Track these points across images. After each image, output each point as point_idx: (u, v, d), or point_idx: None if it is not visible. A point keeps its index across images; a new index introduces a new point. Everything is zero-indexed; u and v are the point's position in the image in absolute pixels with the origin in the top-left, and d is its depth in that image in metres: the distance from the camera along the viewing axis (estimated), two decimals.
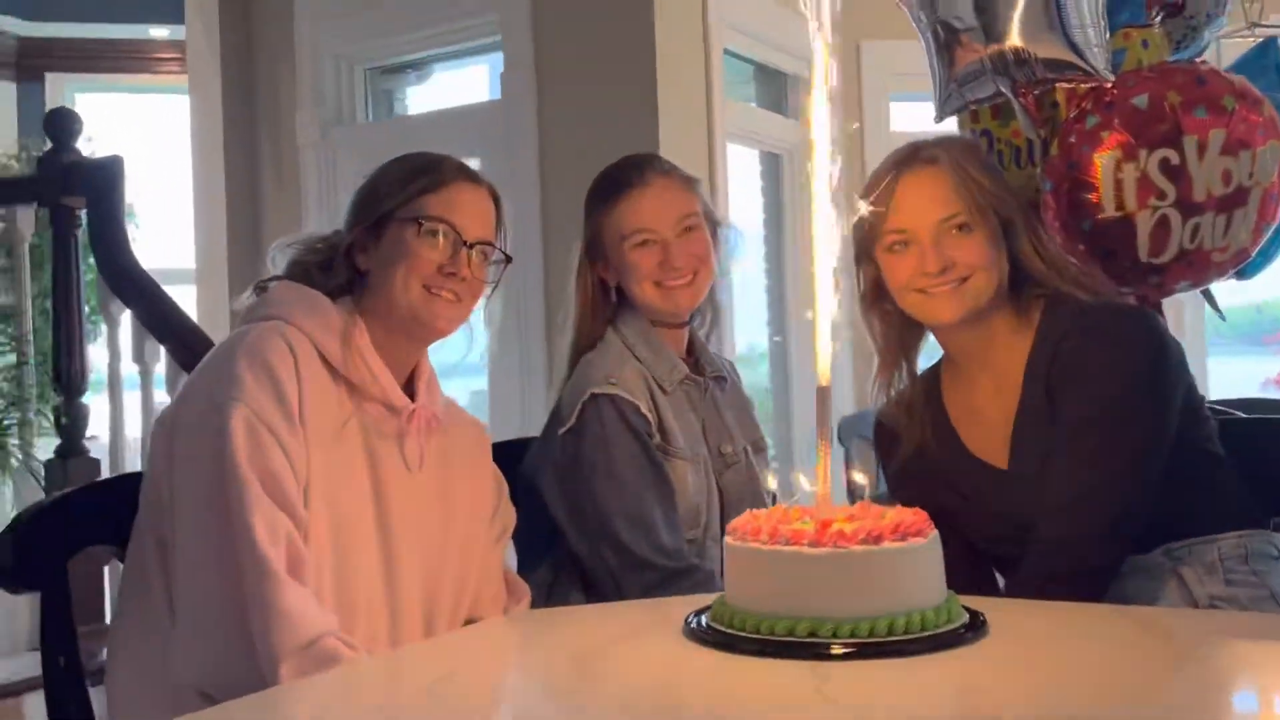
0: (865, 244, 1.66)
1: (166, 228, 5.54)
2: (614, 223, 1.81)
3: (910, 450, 1.71)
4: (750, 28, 3.92)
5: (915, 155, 1.64)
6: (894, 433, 1.74)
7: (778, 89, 4.42)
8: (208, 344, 2.44)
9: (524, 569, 1.82)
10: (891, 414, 1.74)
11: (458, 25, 3.92)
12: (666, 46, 3.52)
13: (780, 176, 4.43)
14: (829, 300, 1.26)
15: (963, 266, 1.58)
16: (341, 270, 1.55)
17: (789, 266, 4.42)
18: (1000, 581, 1.68)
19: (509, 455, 1.86)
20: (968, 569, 1.60)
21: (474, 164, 4.14)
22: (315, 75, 4.10)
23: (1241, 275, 1.89)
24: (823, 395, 1.28)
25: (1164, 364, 1.54)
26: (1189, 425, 1.57)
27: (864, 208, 1.52)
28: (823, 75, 1.23)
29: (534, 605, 1.70)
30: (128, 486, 1.50)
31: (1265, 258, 1.88)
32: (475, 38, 3.96)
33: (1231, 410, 1.86)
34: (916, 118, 4.10)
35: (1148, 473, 1.51)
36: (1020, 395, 1.60)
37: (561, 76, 3.61)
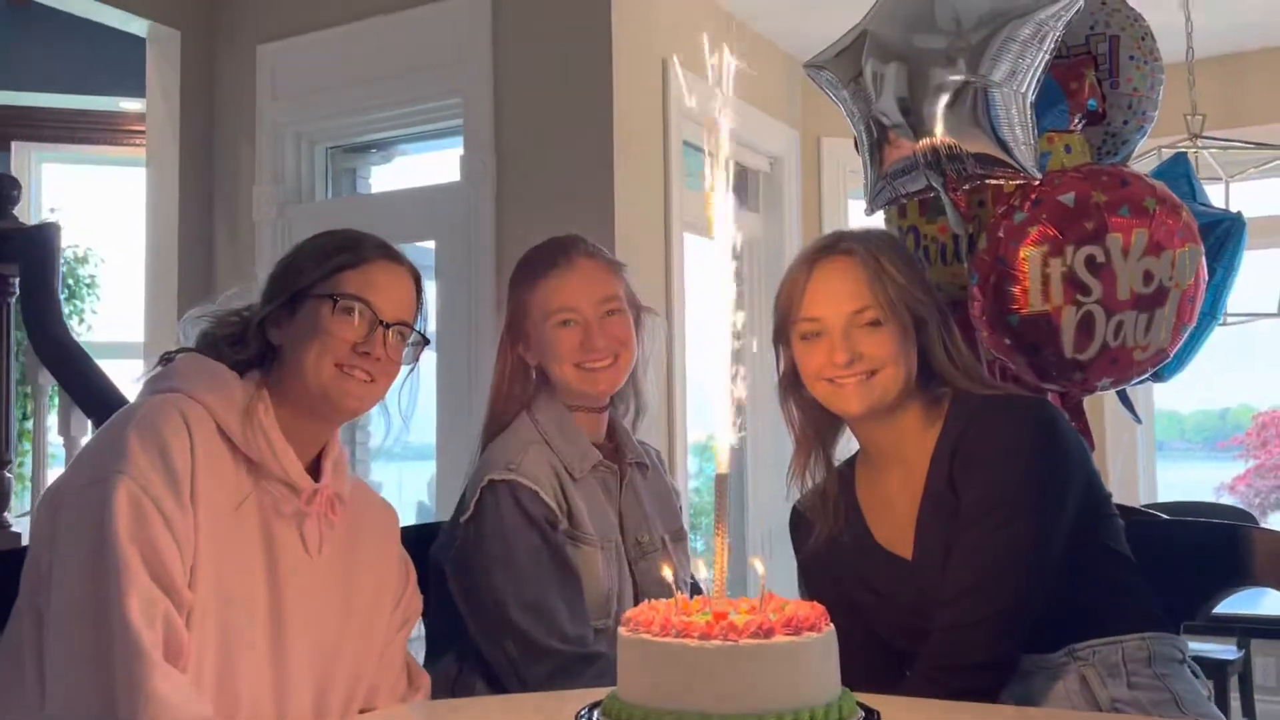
0: (783, 330, 1.67)
1: (127, 301, 5.50)
2: (538, 301, 1.80)
3: (822, 538, 1.70)
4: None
5: (833, 245, 1.65)
6: (807, 521, 1.73)
7: (739, 183, 4.48)
8: None
9: (433, 656, 1.76)
10: (807, 502, 1.74)
11: (421, 107, 3.95)
12: (625, 136, 3.55)
13: (740, 269, 4.45)
14: (728, 387, 1.23)
15: (870, 360, 1.58)
16: (253, 344, 1.52)
17: (749, 354, 4.42)
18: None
19: (424, 538, 1.82)
20: (871, 661, 1.57)
21: (430, 245, 4.15)
22: (275, 152, 4.11)
23: (1159, 377, 1.89)
24: (720, 483, 1.24)
25: (1057, 455, 1.54)
26: (1091, 522, 1.56)
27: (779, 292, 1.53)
28: (723, 181, 1.21)
29: (438, 697, 1.64)
30: (12, 563, 1.45)
31: (1180, 360, 1.89)
32: (439, 119, 3.99)
33: (1156, 513, 1.84)
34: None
35: (1039, 564, 1.49)
36: (924, 485, 1.60)
37: (521, 161, 3.63)
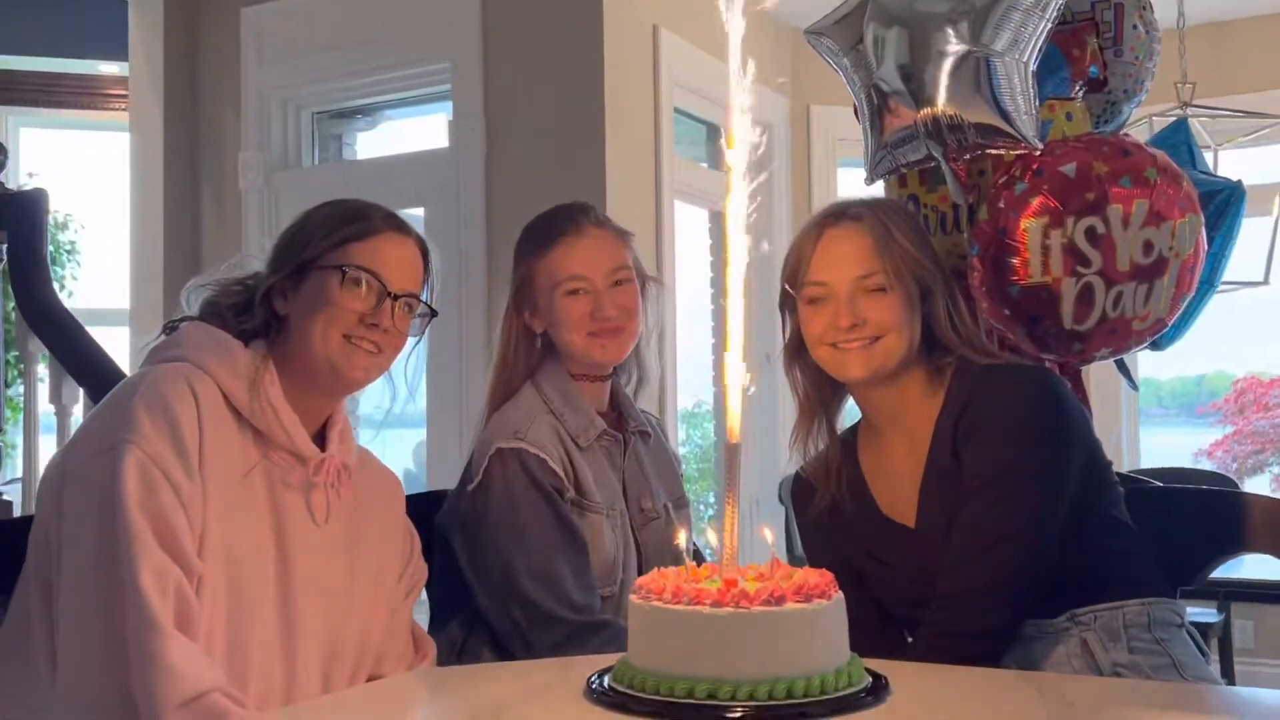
0: (789, 294, 1.67)
1: (109, 267, 5.45)
2: (547, 269, 1.79)
3: (824, 506, 1.72)
4: (702, 88, 3.95)
5: (842, 212, 1.66)
6: (810, 487, 1.74)
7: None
8: None
9: (437, 623, 1.78)
10: (810, 468, 1.75)
11: (409, 72, 3.91)
12: (616, 102, 3.54)
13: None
14: (739, 359, 1.24)
15: (874, 326, 1.59)
16: (259, 314, 1.52)
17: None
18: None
19: (428, 507, 1.82)
20: (876, 629, 1.60)
21: (419, 212, 4.13)
22: (261, 117, 4.07)
23: (1156, 346, 1.91)
24: (732, 452, 1.25)
25: (1061, 424, 1.56)
26: (1093, 490, 1.58)
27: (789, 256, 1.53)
28: (742, 150, 1.20)
29: (443, 663, 1.65)
30: (15, 532, 1.45)
31: (1178, 329, 1.91)
32: (427, 85, 3.96)
33: (1149, 479, 1.87)
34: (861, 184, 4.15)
35: (1043, 533, 1.51)
36: (928, 455, 1.61)
37: (511, 127, 3.61)
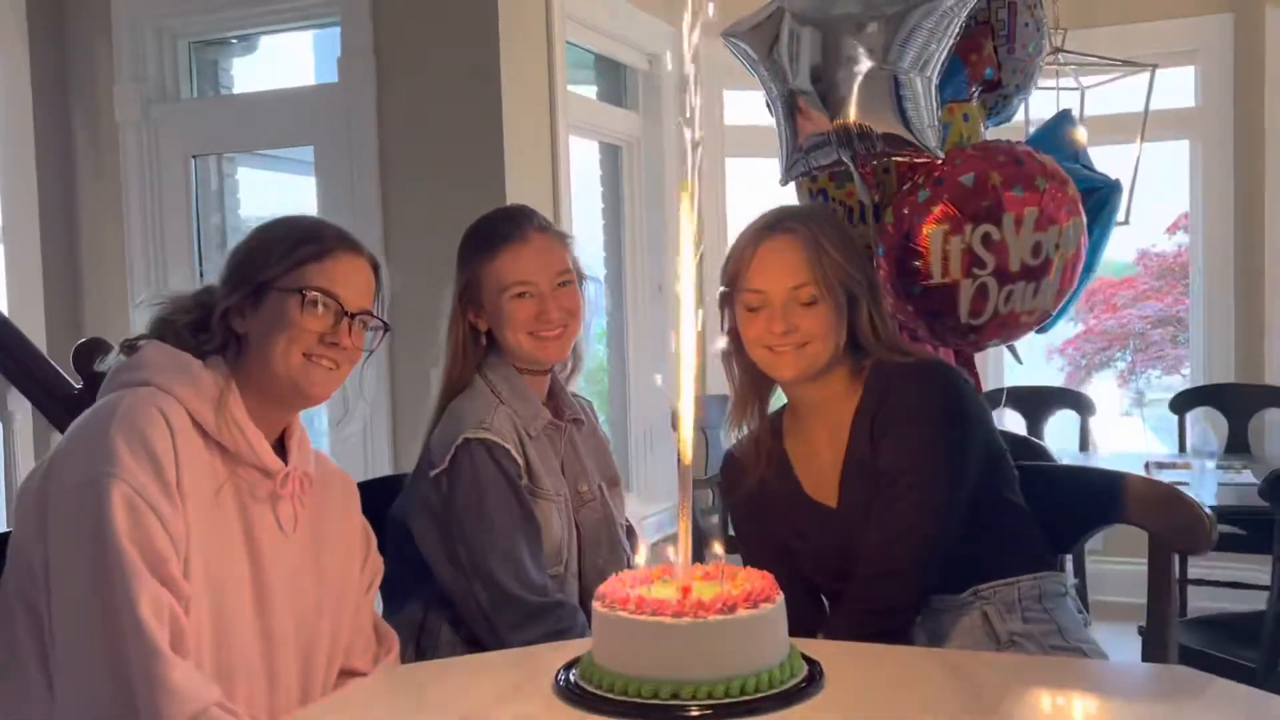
0: (729, 295, 1.83)
1: None
2: (493, 273, 1.89)
3: (754, 484, 1.88)
4: (591, 20, 3.97)
5: (778, 224, 1.80)
6: (740, 468, 1.91)
7: (617, 81, 4.51)
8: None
9: (392, 606, 1.89)
10: (742, 449, 1.91)
11: (291, 3, 3.83)
12: (510, 37, 3.53)
13: (619, 168, 4.53)
14: (690, 391, 1.36)
15: (804, 333, 1.76)
16: (217, 333, 1.57)
17: (627, 258, 4.53)
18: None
19: (377, 495, 1.92)
20: (797, 598, 1.77)
21: (309, 151, 4.05)
22: (134, 47, 3.91)
23: (1041, 330, 2.11)
24: (684, 473, 1.39)
25: (961, 421, 1.74)
26: (991, 476, 1.78)
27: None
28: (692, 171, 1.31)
29: (403, 643, 1.77)
30: None
31: (1059, 315, 2.11)
32: (309, 17, 3.88)
33: (1044, 462, 2.05)
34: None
35: (944, 522, 1.71)
36: (847, 444, 1.79)
37: (402, 63, 3.57)
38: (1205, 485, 3.19)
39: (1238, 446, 4.11)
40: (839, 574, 1.77)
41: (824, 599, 1.86)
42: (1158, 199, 5.12)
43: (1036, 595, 1.75)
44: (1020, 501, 1.81)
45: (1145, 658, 2.52)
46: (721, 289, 1.84)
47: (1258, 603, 3.44)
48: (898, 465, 1.71)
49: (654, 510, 4.43)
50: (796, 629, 1.76)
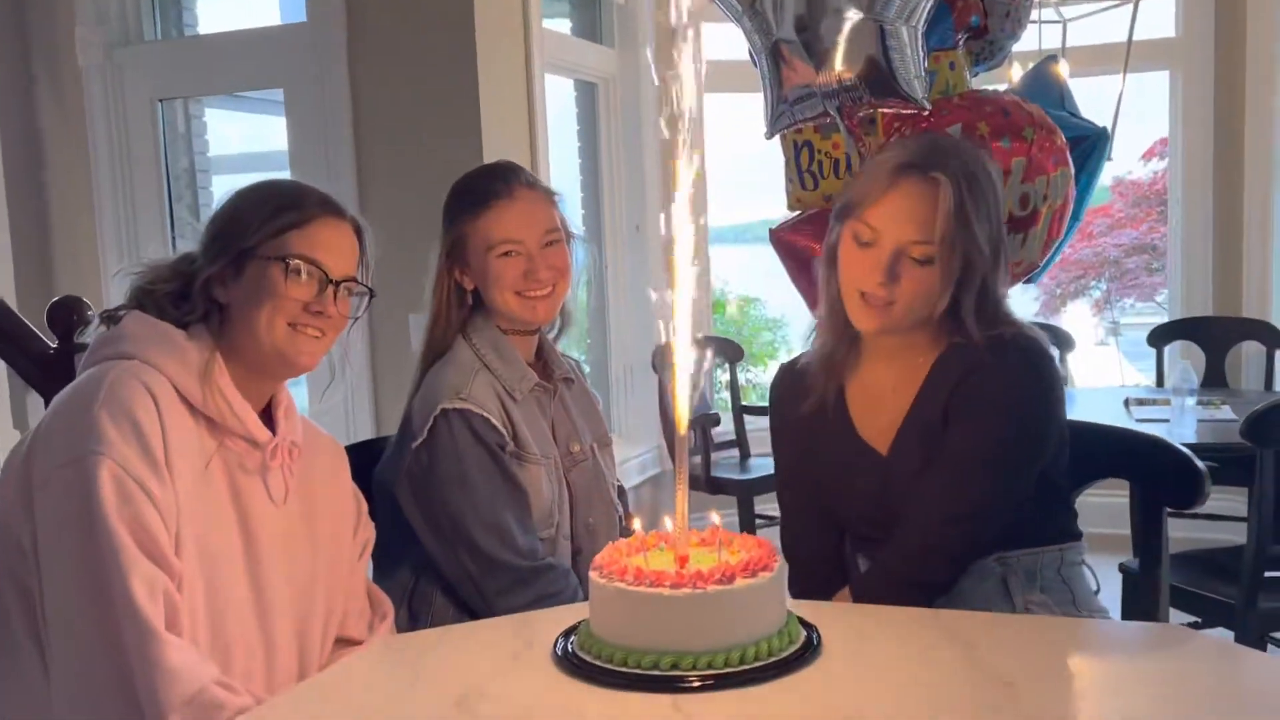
0: (847, 213, 1.69)
1: None
2: (480, 231, 1.86)
3: (810, 409, 1.79)
4: None
5: (925, 164, 1.63)
6: (805, 385, 1.80)
7: (592, 17, 4.42)
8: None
9: (382, 570, 1.89)
10: (811, 367, 1.80)
11: None
12: None
13: (595, 106, 4.46)
14: (686, 354, 1.35)
15: (900, 292, 1.64)
16: (199, 303, 1.54)
17: (605, 198, 4.49)
18: (855, 558, 1.82)
19: (363, 459, 1.91)
20: (822, 539, 1.77)
21: (278, 95, 3.97)
22: None
23: (1028, 282, 2.10)
24: (680, 443, 1.38)
25: (1045, 410, 1.67)
26: (1051, 458, 1.72)
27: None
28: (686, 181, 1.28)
29: (396, 608, 1.77)
30: None
31: (1046, 266, 2.10)
32: None
33: None
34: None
35: (1001, 511, 1.66)
36: (914, 401, 1.71)
37: (373, 3, 3.49)
38: (1185, 423, 3.22)
39: (1215, 380, 4.15)
40: (871, 521, 1.74)
41: (850, 548, 1.82)
42: (1134, 125, 5.11)
43: (1056, 565, 1.73)
44: (1062, 480, 1.76)
45: (1129, 605, 2.57)
46: (840, 203, 1.71)
47: (1230, 533, 3.52)
48: (972, 449, 1.64)
49: (636, 453, 4.44)
50: (811, 574, 1.77)
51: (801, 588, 1.77)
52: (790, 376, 1.86)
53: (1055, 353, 1.78)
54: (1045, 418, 1.68)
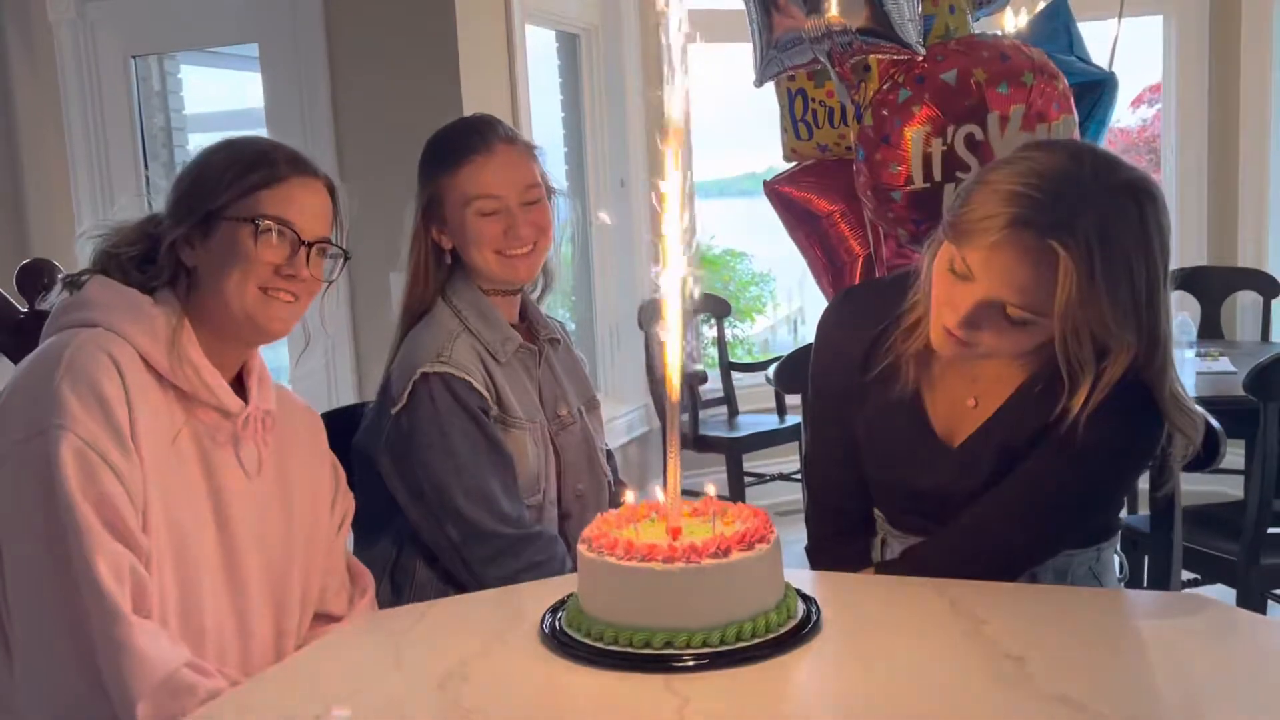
0: (948, 231, 1.42)
1: None
2: (457, 187, 1.78)
3: (878, 376, 1.58)
4: None
5: (1047, 222, 1.31)
6: (883, 350, 1.59)
7: None
8: None
9: (362, 543, 1.83)
10: (897, 336, 1.57)
11: None
12: None
13: (578, 57, 4.36)
14: (677, 333, 1.28)
15: (984, 345, 1.43)
16: (165, 266, 1.47)
17: (589, 151, 4.39)
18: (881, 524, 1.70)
19: (342, 424, 1.84)
20: (850, 516, 1.66)
21: (253, 50, 3.87)
22: None
23: None
24: (672, 410, 1.32)
25: (1144, 461, 1.55)
26: None
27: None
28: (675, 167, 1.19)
29: (377, 580, 1.72)
30: None
31: None
32: None
33: None
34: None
35: (1064, 542, 1.58)
36: (997, 413, 1.54)
37: None
38: (1184, 375, 3.17)
39: (1211, 331, 4.11)
40: (910, 510, 1.62)
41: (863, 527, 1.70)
42: (1123, 73, 5.05)
43: (1089, 564, 1.64)
44: (1122, 501, 1.69)
45: (1132, 563, 2.52)
46: (947, 215, 1.42)
47: (1224, 486, 3.48)
48: (1057, 485, 1.49)
49: (622, 411, 4.39)
50: (838, 515, 1.69)
51: (821, 532, 1.69)
52: (862, 313, 1.61)
53: None
54: (1140, 465, 1.55)
